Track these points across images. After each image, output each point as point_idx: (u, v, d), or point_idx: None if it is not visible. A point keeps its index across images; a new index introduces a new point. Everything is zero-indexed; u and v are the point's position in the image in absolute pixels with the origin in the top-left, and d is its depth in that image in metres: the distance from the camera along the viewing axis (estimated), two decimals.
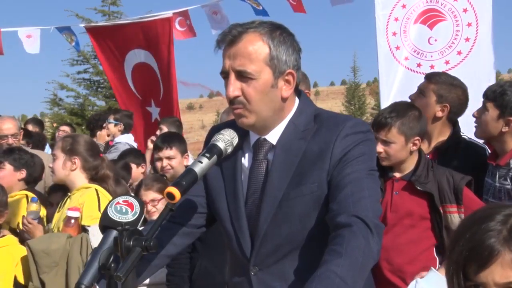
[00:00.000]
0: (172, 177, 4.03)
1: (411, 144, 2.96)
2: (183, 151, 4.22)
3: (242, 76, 1.87)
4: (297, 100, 2.03)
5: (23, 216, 3.69)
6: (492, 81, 4.81)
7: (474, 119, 3.21)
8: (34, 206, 3.68)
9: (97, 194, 3.52)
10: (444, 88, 3.37)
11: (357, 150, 1.89)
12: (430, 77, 3.46)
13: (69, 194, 3.64)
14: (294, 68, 1.94)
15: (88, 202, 3.44)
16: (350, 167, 1.86)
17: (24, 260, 3.42)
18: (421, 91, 3.41)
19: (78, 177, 3.62)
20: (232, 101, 1.89)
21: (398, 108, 3.00)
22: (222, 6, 6.37)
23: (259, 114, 1.91)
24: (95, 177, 3.67)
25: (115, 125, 6.77)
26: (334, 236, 1.73)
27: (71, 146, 3.61)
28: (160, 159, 4.17)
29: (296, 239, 1.91)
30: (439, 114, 3.37)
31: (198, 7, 6.51)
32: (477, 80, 4.72)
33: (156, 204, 3.60)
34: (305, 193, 1.89)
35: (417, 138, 2.98)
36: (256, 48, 1.86)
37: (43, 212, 4.05)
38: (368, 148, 1.93)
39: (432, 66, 4.99)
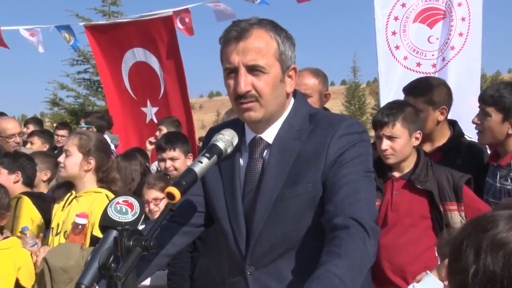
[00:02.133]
0: (176, 177, 4.01)
1: (414, 139, 3.00)
2: (187, 152, 4.20)
3: (253, 70, 1.87)
4: (292, 100, 2.04)
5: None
6: (477, 79, 4.81)
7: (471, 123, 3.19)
8: (28, 235, 3.65)
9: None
10: (433, 93, 3.36)
11: (352, 151, 1.89)
12: (413, 92, 3.41)
13: (74, 192, 3.61)
14: (295, 63, 1.97)
15: (101, 211, 3.40)
16: (346, 169, 1.86)
17: (28, 265, 3.41)
18: (415, 108, 3.38)
19: (89, 179, 3.60)
20: (243, 95, 1.89)
21: (396, 106, 3.05)
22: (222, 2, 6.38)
23: (268, 108, 1.92)
24: (105, 179, 3.65)
25: (87, 128, 6.78)
26: (332, 237, 1.74)
27: (88, 146, 3.56)
28: (164, 160, 4.16)
29: (292, 239, 1.92)
30: (441, 118, 3.38)
31: (200, 4, 6.51)
32: (467, 75, 4.72)
33: (158, 203, 3.60)
34: (300, 193, 1.89)
35: (419, 132, 3.03)
36: (266, 43, 1.88)
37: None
38: (364, 149, 1.93)
39: (434, 65, 4.98)
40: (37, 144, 6.63)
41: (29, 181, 4.44)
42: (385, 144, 2.96)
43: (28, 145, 6.56)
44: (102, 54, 7.24)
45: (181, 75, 6.62)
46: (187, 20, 6.44)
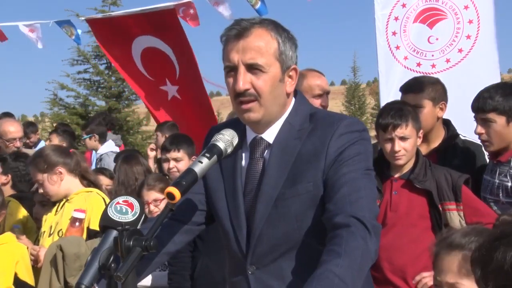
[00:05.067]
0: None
1: (419, 138, 3.03)
2: (191, 154, 4.22)
3: (252, 69, 1.88)
4: (293, 99, 2.04)
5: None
6: (497, 80, 4.79)
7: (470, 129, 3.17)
8: (16, 233, 3.72)
9: (103, 199, 3.54)
10: (432, 89, 3.39)
11: (352, 150, 1.89)
12: (413, 89, 3.44)
13: (63, 199, 3.65)
14: (296, 64, 1.97)
15: (96, 207, 3.47)
16: (346, 167, 1.86)
17: (24, 258, 3.44)
18: (416, 105, 3.40)
19: (70, 182, 3.65)
20: (241, 94, 1.89)
21: (401, 106, 3.04)
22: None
23: (267, 108, 1.92)
24: (81, 174, 3.71)
25: (90, 138, 6.86)
26: (332, 236, 1.74)
27: (45, 163, 3.60)
28: (167, 160, 4.18)
29: (293, 238, 1.92)
30: (441, 114, 3.41)
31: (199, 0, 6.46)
32: (480, 78, 4.71)
33: (158, 204, 3.61)
34: (301, 193, 1.89)
35: (421, 131, 3.06)
36: (266, 42, 1.89)
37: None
38: (364, 148, 1.93)
39: (433, 65, 4.98)
40: (55, 142, 6.64)
41: (19, 185, 4.44)
42: (399, 145, 2.95)
43: (47, 142, 6.57)
44: (109, 44, 7.26)
45: (193, 63, 6.59)
46: (191, 11, 6.39)
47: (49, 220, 3.68)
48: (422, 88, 3.39)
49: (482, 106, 3.02)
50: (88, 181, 3.76)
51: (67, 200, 3.63)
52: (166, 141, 4.36)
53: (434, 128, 3.40)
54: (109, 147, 6.83)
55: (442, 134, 3.44)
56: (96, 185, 3.77)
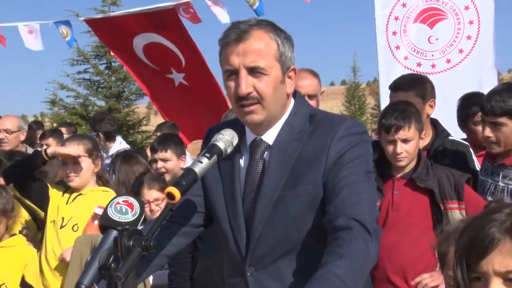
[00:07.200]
0: (171, 179, 4.02)
1: (420, 139, 3.02)
2: (180, 153, 4.20)
3: (254, 72, 1.87)
4: (292, 100, 2.03)
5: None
6: (494, 80, 4.80)
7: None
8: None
9: None
10: (421, 86, 3.39)
11: (353, 152, 1.89)
12: (403, 87, 3.43)
13: (75, 192, 3.65)
14: (294, 64, 1.97)
15: None
16: (346, 170, 1.86)
17: (34, 262, 3.46)
18: None
19: (93, 178, 3.69)
20: (244, 97, 1.88)
21: (404, 107, 3.02)
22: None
23: (270, 110, 1.92)
24: (98, 175, 3.74)
25: (96, 135, 6.81)
26: (333, 238, 1.74)
27: (95, 150, 3.61)
28: (155, 160, 4.18)
29: (292, 240, 1.91)
30: (430, 111, 3.41)
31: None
32: (479, 78, 4.72)
33: (159, 203, 3.60)
34: (300, 195, 1.89)
35: (424, 132, 3.05)
36: (266, 44, 1.88)
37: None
38: (364, 150, 1.93)
39: (433, 65, 4.98)
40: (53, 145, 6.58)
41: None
42: (401, 147, 2.94)
43: (45, 147, 6.54)
44: (110, 42, 7.31)
45: (199, 57, 6.61)
46: (191, 10, 6.40)
47: (61, 209, 3.63)
48: (411, 86, 3.39)
49: (494, 109, 2.97)
50: (102, 181, 3.78)
51: (79, 194, 3.63)
52: (154, 142, 4.37)
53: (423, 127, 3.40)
54: (121, 145, 6.79)
55: (430, 134, 3.44)
56: (108, 185, 3.81)
